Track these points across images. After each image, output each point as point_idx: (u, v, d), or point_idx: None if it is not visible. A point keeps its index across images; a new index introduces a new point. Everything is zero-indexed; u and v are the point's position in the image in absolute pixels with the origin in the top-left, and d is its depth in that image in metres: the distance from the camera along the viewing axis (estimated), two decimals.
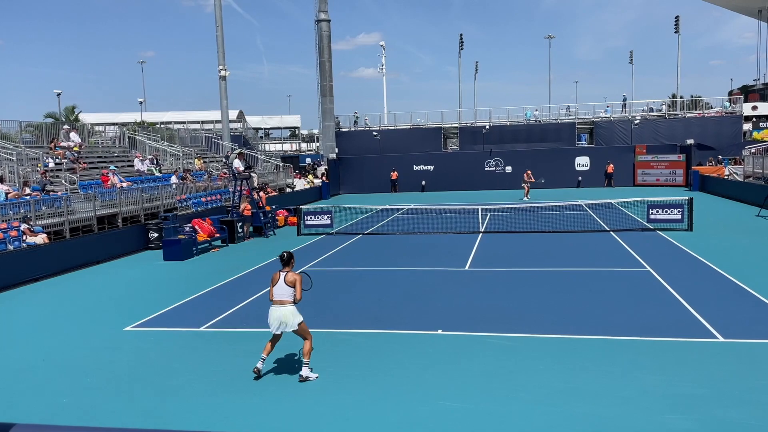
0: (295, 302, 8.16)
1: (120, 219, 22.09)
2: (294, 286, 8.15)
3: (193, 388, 8.10)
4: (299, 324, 8.13)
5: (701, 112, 50.15)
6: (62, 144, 27.42)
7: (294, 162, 51.46)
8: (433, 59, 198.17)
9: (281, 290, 8.15)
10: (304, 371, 8.10)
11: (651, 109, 50.00)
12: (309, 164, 55.49)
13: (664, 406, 7.00)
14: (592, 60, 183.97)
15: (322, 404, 7.40)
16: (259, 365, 8.27)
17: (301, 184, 42.88)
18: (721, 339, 9.26)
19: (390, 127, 52.19)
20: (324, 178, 43.10)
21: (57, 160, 25.37)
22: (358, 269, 15.92)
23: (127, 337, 10.61)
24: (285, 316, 8.07)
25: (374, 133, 50.40)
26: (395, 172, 42.84)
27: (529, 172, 34.39)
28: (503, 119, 51.30)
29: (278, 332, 8.22)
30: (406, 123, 52.68)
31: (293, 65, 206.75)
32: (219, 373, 8.59)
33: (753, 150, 40.09)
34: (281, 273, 8.28)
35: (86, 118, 63.22)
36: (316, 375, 8.18)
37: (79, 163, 26.07)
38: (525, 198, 32.83)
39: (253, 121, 79.13)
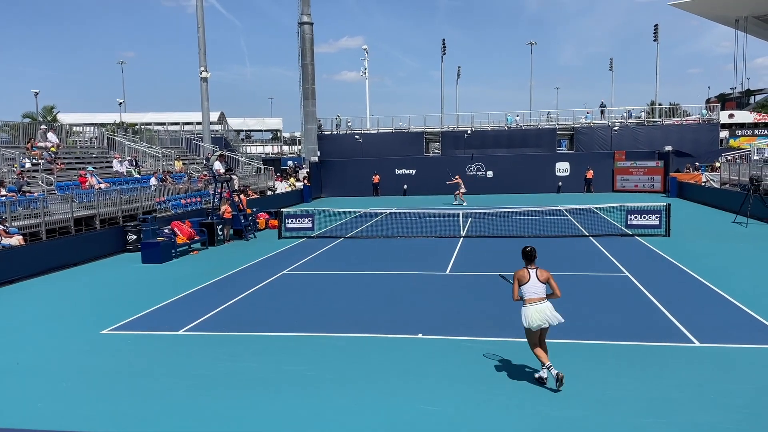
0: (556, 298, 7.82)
1: (98, 221, 21.82)
2: (548, 282, 7.79)
3: (172, 392, 8.01)
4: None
5: (679, 119, 50.99)
6: (39, 144, 27.07)
7: (275, 165, 51.24)
8: (417, 63, 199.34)
9: (537, 287, 7.72)
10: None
11: (630, 114, 50.69)
12: (291, 167, 55.28)
13: (641, 409, 7.08)
14: (573, 66, 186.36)
15: (302, 408, 7.37)
16: (543, 374, 7.79)
17: (282, 186, 42.70)
18: (697, 343, 9.38)
19: (372, 131, 52.28)
20: (306, 181, 42.97)
21: (34, 160, 25.03)
22: (339, 272, 15.89)
23: (105, 340, 10.47)
24: (548, 310, 7.67)
25: (356, 137, 50.45)
26: (377, 176, 42.85)
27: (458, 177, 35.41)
28: (485, 124, 51.67)
29: (545, 325, 7.72)
30: (388, 127, 52.82)
31: (276, 67, 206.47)
32: (198, 376, 8.51)
33: (729, 157, 40.83)
34: (530, 270, 7.84)
35: (64, 118, 62.47)
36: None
37: (57, 163, 25.73)
38: (459, 203, 33.62)
39: (234, 123, 78.82)
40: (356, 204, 33.08)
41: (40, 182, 22.75)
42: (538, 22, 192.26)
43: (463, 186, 34.79)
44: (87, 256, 18.28)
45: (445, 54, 68.22)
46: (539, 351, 7.81)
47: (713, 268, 14.85)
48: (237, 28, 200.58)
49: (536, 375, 7.97)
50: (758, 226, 22.04)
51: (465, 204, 33.15)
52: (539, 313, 7.64)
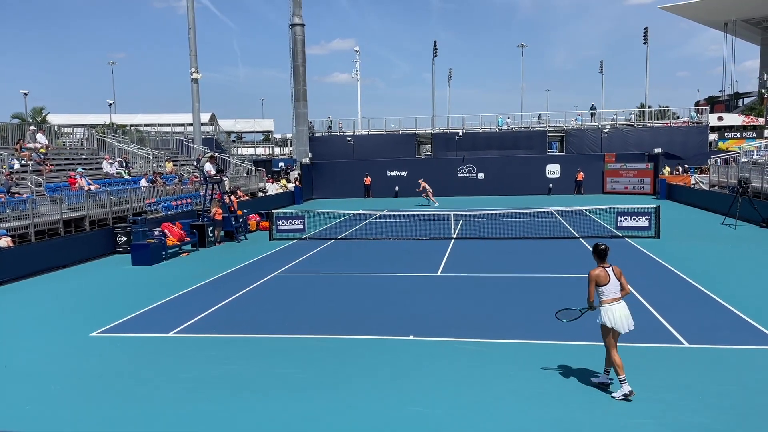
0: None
1: (87, 222, 21.68)
2: (621, 279, 7.58)
3: (161, 395, 7.97)
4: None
5: (669, 121, 51.38)
6: (28, 145, 26.89)
7: (267, 166, 51.14)
8: (410, 65, 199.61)
9: (616, 287, 7.53)
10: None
11: (619, 117, 51.02)
12: (282, 168, 55.20)
13: (632, 410, 7.11)
14: (565, 69, 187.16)
15: (293, 410, 7.35)
16: (626, 388, 7.37)
17: (273, 188, 42.63)
18: (686, 344, 9.44)
19: (364, 133, 52.32)
20: (297, 183, 42.91)
21: (23, 161, 24.86)
22: (331, 274, 15.86)
23: (94, 342, 10.41)
24: (627, 311, 7.53)
25: (348, 139, 50.45)
26: (368, 178, 42.84)
27: (422, 181, 36.41)
28: (476, 126, 51.81)
29: (625, 331, 7.52)
30: (380, 128, 52.85)
31: (269, 68, 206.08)
32: (188, 379, 8.47)
33: (718, 160, 41.11)
34: (606, 268, 7.58)
35: (54, 119, 62.11)
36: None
37: (46, 165, 25.57)
38: (433, 204, 34.87)
39: (225, 124, 78.55)
40: (348, 206, 33.05)
41: (29, 183, 22.59)
42: (530, 25, 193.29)
43: (428, 188, 35.94)
44: (76, 257, 18.16)
45: (436, 56, 68.34)
46: (618, 357, 7.51)
47: (702, 270, 14.95)
48: (230, 30, 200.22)
49: (596, 380, 7.81)
50: (747, 227, 22.21)
51: (436, 204, 34.64)
52: (622, 312, 7.47)
